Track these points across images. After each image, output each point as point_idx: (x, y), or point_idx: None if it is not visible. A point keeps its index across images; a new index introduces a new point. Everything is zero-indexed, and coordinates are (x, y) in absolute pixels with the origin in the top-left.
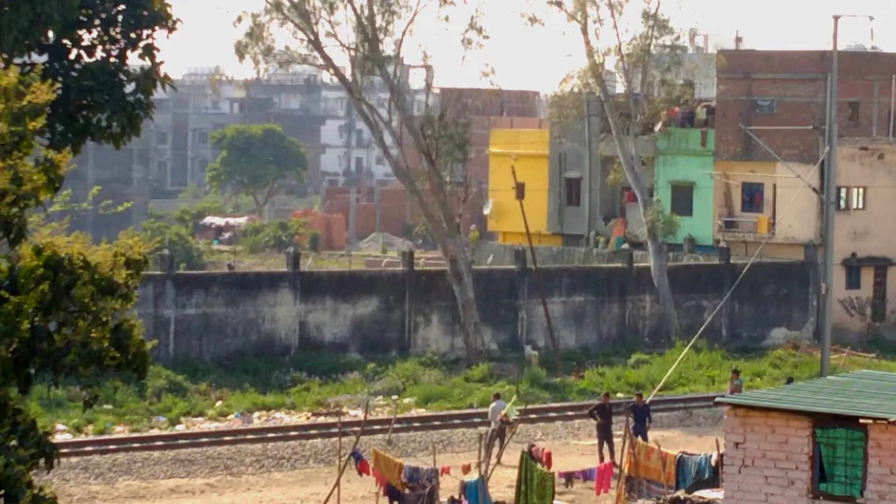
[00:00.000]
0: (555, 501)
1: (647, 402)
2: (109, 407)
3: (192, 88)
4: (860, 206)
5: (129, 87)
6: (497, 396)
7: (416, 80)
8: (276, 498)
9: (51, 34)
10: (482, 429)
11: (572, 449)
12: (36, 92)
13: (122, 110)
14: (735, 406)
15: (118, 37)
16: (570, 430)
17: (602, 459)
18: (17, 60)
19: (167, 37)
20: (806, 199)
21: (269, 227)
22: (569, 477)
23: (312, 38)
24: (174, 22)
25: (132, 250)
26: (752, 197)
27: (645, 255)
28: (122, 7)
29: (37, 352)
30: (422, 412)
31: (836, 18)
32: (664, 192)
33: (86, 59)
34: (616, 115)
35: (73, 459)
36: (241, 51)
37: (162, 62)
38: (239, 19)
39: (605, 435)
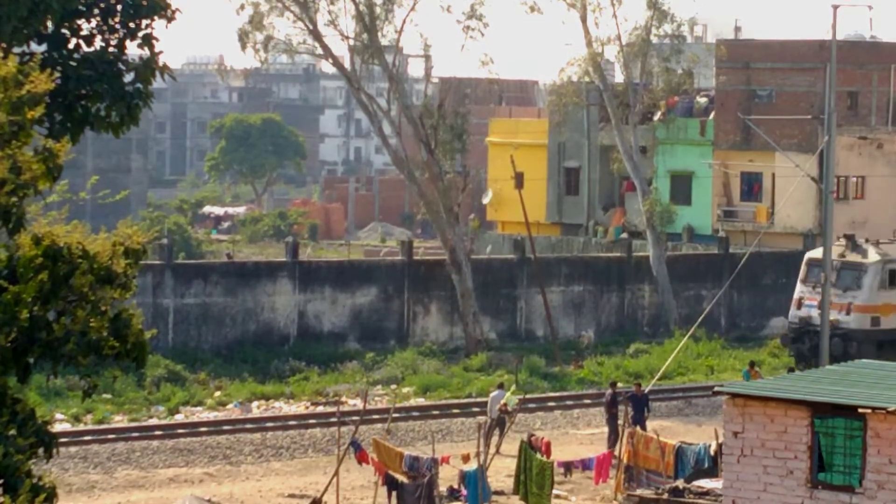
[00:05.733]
0: (554, 491)
1: (646, 391)
2: (108, 396)
3: (190, 78)
4: (859, 195)
5: (128, 77)
6: (500, 386)
7: (415, 70)
8: (274, 487)
9: (49, 23)
10: (481, 418)
11: (571, 438)
12: (35, 81)
13: (121, 100)
14: (734, 395)
15: (117, 26)
16: (568, 420)
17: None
18: (16, 50)
19: (166, 26)
20: (805, 188)
21: (268, 216)
22: (568, 466)
23: (311, 27)
24: (173, 12)
25: (131, 240)
26: (751, 186)
27: (644, 244)
28: None
29: (36, 341)
30: (421, 402)
31: (835, 8)
32: (663, 181)
33: (85, 48)
34: (615, 104)
35: (72, 449)
36: (243, 39)
37: (161, 52)
38: (242, 7)
39: (615, 424)
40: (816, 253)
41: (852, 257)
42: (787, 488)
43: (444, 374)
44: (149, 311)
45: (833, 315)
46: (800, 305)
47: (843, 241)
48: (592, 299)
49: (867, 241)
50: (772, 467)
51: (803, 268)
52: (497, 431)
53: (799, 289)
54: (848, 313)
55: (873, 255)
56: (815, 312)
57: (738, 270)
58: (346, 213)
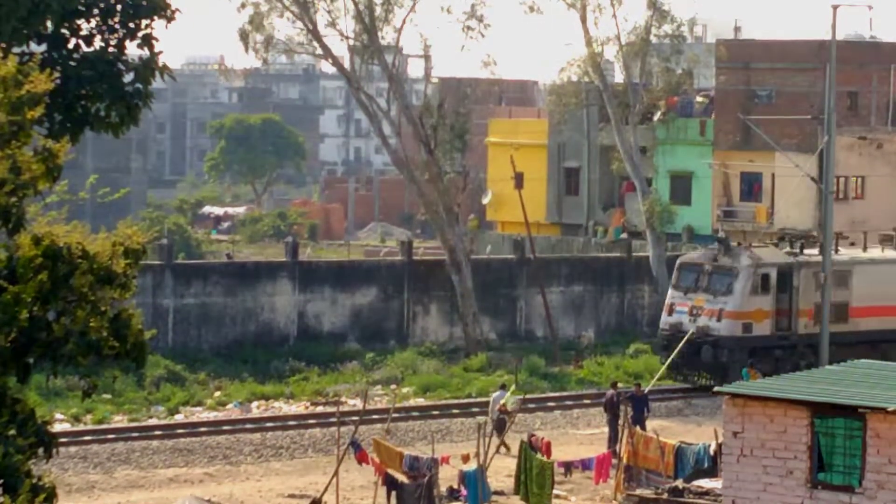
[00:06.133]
0: (554, 490)
1: (646, 391)
2: (108, 396)
3: (190, 78)
4: (859, 195)
5: (128, 77)
6: (503, 387)
7: (415, 70)
8: (274, 487)
9: (49, 23)
10: (480, 418)
11: (571, 438)
12: (34, 81)
13: (121, 100)
14: (734, 395)
15: (117, 26)
16: (568, 420)
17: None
18: (15, 50)
19: (166, 26)
20: (804, 188)
21: (268, 216)
22: (568, 466)
23: (311, 27)
24: (173, 12)
25: (131, 240)
26: (751, 186)
27: (644, 244)
28: None
29: (35, 341)
30: (420, 402)
31: (835, 8)
32: (663, 181)
33: (84, 48)
34: (615, 104)
35: (72, 449)
36: (244, 38)
37: (161, 52)
38: (242, 6)
39: (616, 425)
40: (688, 257)
41: (724, 261)
42: (786, 488)
43: (443, 374)
44: (149, 312)
45: (703, 321)
46: (671, 311)
47: (715, 245)
48: (592, 299)
49: (739, 244)
50: (771, 467)
51: (675, 272)
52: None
53: (670, 294)
54: (719, 320)
55: (745, 260)
56: (685, 319)
57: None
58: (346, 213)
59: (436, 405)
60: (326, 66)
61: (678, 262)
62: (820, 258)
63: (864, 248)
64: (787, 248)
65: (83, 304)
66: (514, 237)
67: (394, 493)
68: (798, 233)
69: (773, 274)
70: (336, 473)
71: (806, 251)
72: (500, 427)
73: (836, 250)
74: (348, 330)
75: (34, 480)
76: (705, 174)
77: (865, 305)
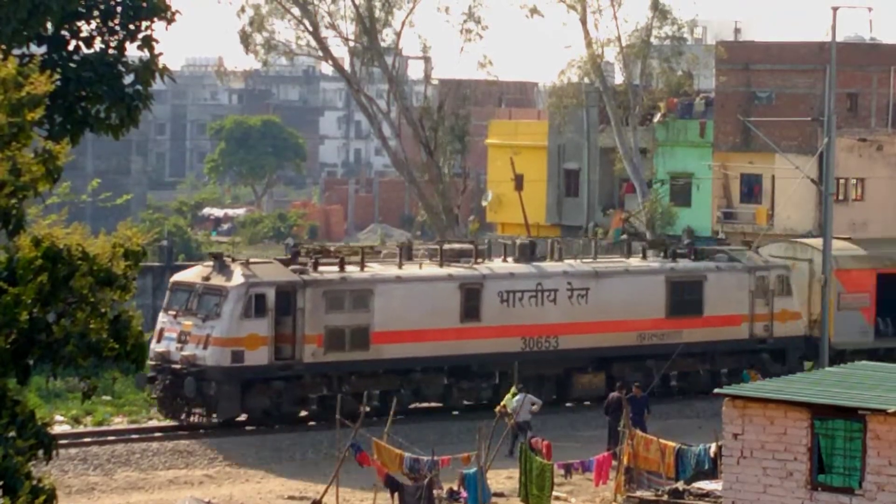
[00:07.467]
0: (554, 492)
1: (646, 394)
2: (108, 398)
3: (190, 79)
4: (859, 197)
5: (128, 79)
6: (520, 390)
7: (414, 71)
8: (274, 489)
9: (49, 25)
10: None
11: (571, 440)
12: (35, 83)
13: (121, 101)
14: (734, 397)
15: (117, 28)
16: (569, 422)
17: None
18: (15, 51)
19: (166, 28)
20: (804, 190)
21: (268, 218)
22: (568, 468)
23: (312, 29)
24: (173, 13)
25: (131, 241)
26: (751, 188)
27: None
28: None
29: (35, 343)
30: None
31: (835, 10)
32: None
33: (85, 50)
34: (615, 105)
35: (72, 450)
36: (245, 40)
37: (161, 53)
38: (242, 9)
39: (616, 426)
40: (181, 275)
41: (216, 280)
42: (786, 490)
43: None
44: (149, 313)
45: (190, 349)
46: (160, 338)
47: (210, 262)
48: None
49: (234, 260)
50: (771, 469)
51: (167, 293)
52: (511, 434)
53: (160, 318)
54: (205, 347)
55: (237, 278)
56: (173, 347)
57: None
58: (346, 214)
59: (435, 406)
60: (326, 68)
61: (170, 281)
62: (333, 276)
63: (400, 265)
64: (297, 265)
65: (83, 305)
66: (514, 239)
67: (395, 495)
68: (314, 247)
69: (271, 294)
70: (336, 475)
71: (321, 268)
72: (522, 430)
73: (363, 266)
74: None
75: (34, 482)
76: (705, 176)
77: (391, 330)
